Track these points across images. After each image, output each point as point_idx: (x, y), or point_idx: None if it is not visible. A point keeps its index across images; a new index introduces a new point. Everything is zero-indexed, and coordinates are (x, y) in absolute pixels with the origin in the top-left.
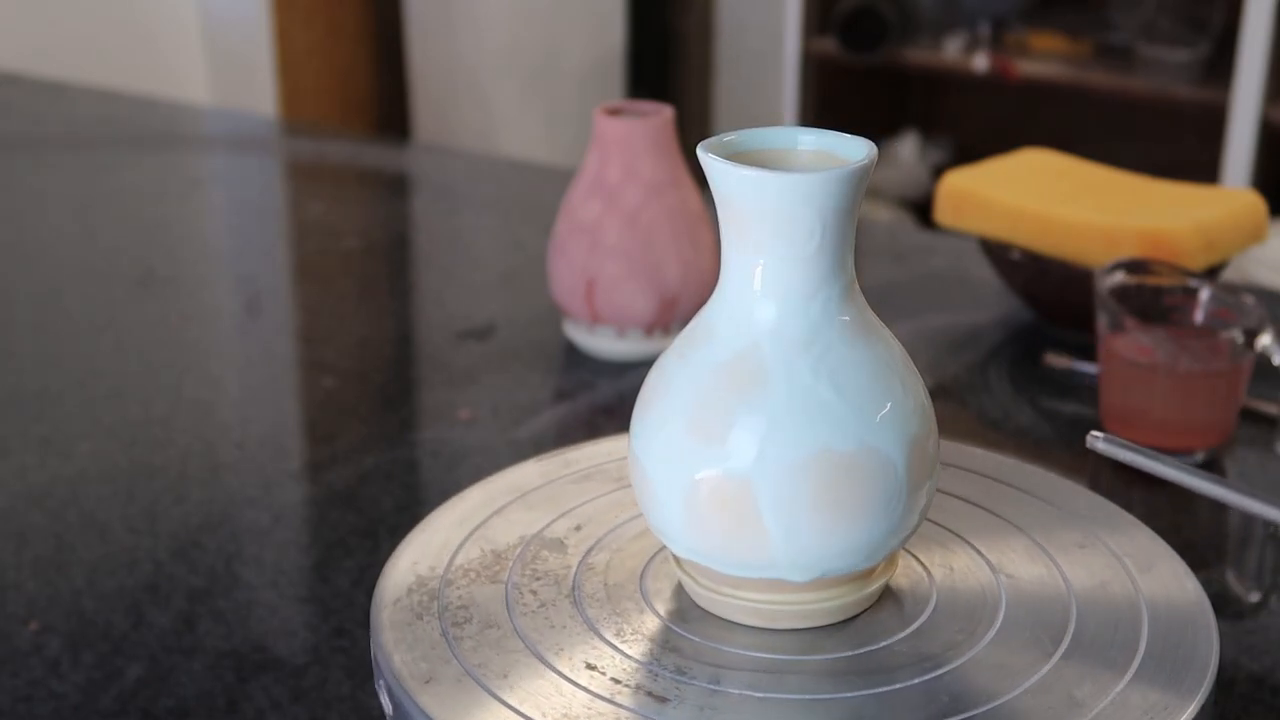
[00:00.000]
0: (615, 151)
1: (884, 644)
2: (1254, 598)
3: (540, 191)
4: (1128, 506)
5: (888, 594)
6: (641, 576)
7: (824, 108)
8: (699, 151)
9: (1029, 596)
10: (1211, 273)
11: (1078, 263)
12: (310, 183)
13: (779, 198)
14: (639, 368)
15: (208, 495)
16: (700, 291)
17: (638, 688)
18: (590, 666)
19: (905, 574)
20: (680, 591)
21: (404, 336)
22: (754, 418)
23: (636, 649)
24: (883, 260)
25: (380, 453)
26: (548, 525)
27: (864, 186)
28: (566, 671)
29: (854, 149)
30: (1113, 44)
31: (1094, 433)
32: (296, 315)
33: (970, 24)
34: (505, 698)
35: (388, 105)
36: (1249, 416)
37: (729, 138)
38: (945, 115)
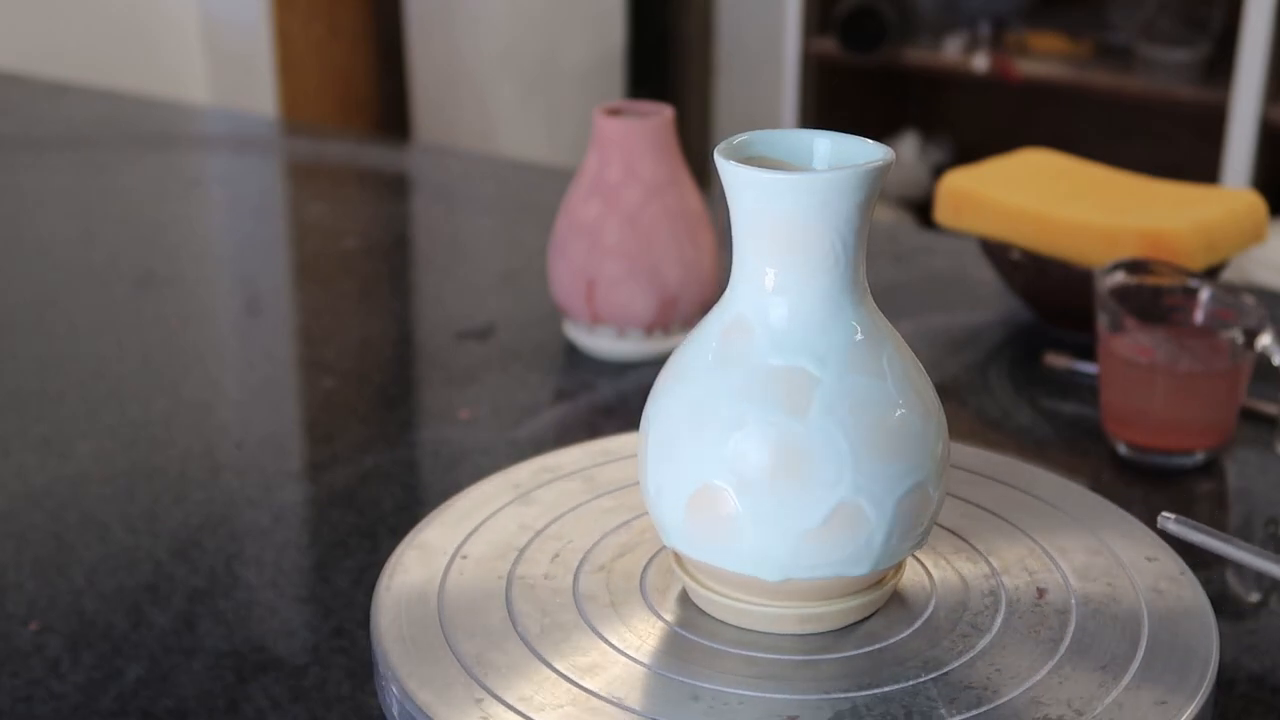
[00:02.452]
0: (615, 151)
1: (885, 644)
2: (1254, 598)
3: (540, 191)
4: (1128, 506)
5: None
6: (642, 577)
7: (824, 108)
8: (715, 156)
9: (1029, 597)
10: (1211, 273)
11: (1078, 263)
12: (310, 183)
13: (794, 199)
14: (639, 368)
15: (208, 495)
16: (700, 291)
17: (638, 688)
18: (591, 666)
19: (906, 575)
20: (682, 593)
21: (404, 336)
22: (764, 419)
23: (637, 649)
24: (883, 260)
25: (380, 453)
26: (548, 525)
27: (878, 189)
28: (567, 671)
29: (868, 151)
30: (1113, 44)
31: (1164, 514)
32: (296, 315)
33: (970, 24)
34: (505, 698)
35: (388, 105)
36: (1249, 416)
37: (741, 140)
38: (945, 115)
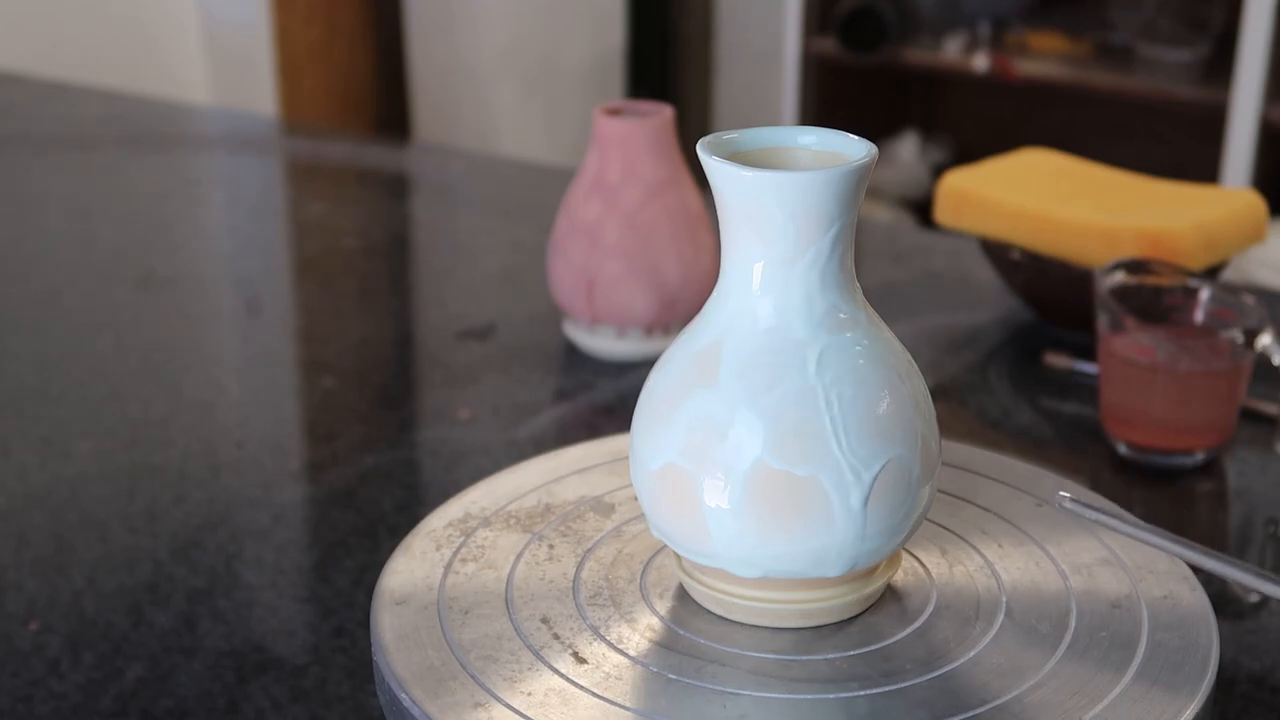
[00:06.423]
0: (615, 151)
1: (884, 644)
2: (1254, 598)
3: (540, 191)
4: (1128, 506)
5: (888, 594)
6: (642, 576)
7: (824, 108)
8: (699, 150)
9: (1029, 596)
10: (1211, 273)
11: (1078, 263)
12: (310, 183)
13: (778, 197)
14: (639, 368)
15: (208, 495)
16: (700, 291)
17: (638, 688)
18: (592, 666)
19: (905, 574)
20: (681, 590)
21: (404, 336)
22: (754, 417)
23: (637, 649)
24: (883, 260)
25: (380, 453)
26: (548, 525)
27: (864, 186)
28: (568, 671)
29: (853, 148)
30: (1113, 44)
31: (1062, 492)
32: (296, 315)
33: (970, 24)
34: (506, 697)
35: (388, 105)
36: (1249, 416)
37: (728, 136)
38: (945, 115)
